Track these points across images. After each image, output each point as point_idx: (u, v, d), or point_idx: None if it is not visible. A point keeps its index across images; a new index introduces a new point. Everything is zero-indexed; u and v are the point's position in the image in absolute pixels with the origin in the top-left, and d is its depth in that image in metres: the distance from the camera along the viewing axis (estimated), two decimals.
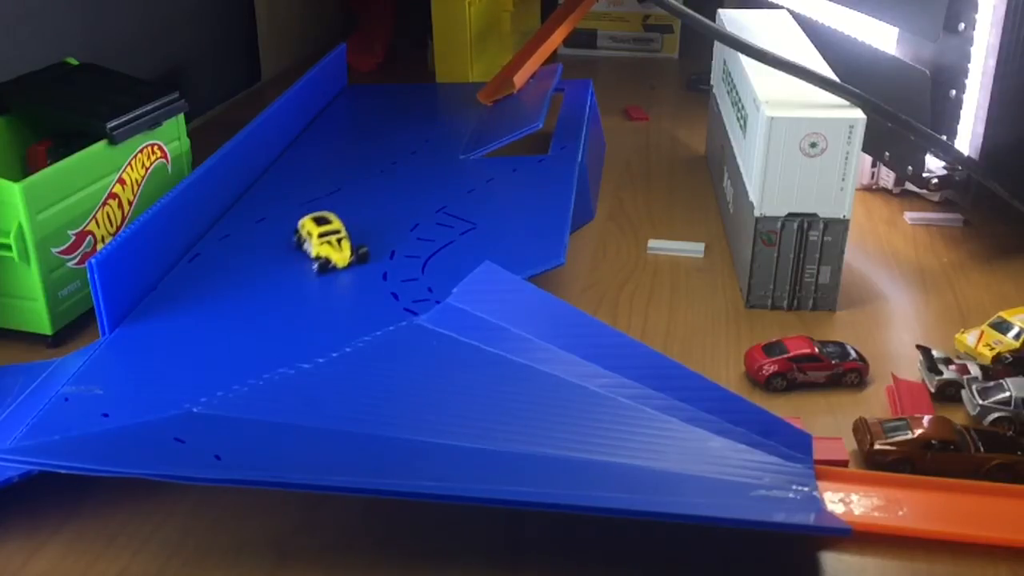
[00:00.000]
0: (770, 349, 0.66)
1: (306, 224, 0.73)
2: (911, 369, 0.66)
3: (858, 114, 0.69)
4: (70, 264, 0.71)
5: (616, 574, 0.51)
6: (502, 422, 0.55)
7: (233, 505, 0.55)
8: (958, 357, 0.66)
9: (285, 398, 0.57)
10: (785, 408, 0.62)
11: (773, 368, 0.65)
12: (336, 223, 0.73)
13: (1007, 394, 0.61)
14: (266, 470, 0.52)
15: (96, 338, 0.64)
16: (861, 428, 0.59)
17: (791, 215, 0.72)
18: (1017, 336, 0.66)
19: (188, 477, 0.51)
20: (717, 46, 0.98)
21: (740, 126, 0.80)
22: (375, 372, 0.59)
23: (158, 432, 0.54)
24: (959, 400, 0.63)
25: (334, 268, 0.71)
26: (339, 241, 0.71)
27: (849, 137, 0.69)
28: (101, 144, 0.74)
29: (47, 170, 0.69)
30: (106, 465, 0.51)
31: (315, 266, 0.71)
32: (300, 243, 0.73)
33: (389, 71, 1.34)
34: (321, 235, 0.71)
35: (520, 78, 1.01)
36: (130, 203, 0.77)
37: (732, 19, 0.93)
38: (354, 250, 0.71)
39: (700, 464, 0.52)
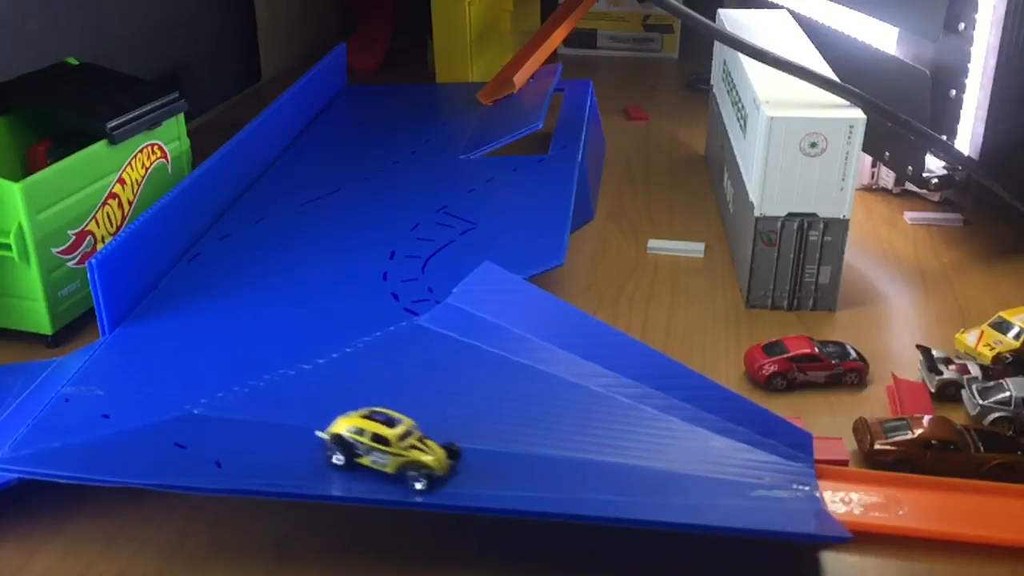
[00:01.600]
0: (770, 349, 0.66)
1: (361, 425, 0.51)
2: (911, 369, 0.66)
3: (858, 114, 0.69)
4: (70, 264, 0.71)
5: (615, 573, 0.51)
6: (502, 422, 0.55)
7: (233, 506, 0.55)
8: (958, 357, 0.66)
9: (285, 399, 0.57)
10: (785, 408, 0.62)
11: (773, 368, 0.65)
12: (407, 420, 0.52)
13: (1007, 394, 0.61)
14: (267, 478, 0.51)
15: (96, 338, 0.64)
16: (861, 428, 0.59)
17: (791, 215, 0.72)
18: (1017, 336, 0.66)
19: (190, 487, 0.51)
20: (717, 46, 0.98)
21: (740, 126, 0.80)
22: (375, 372, 0.59)
23: (158, 437, 0.54)
24: (959, 400, 0.63)
25: (434, 478, 0.50)
26: (421, 440, 0.51)
27: (849, 137, 0.69)
28: (101, 144, 0.74)
29: (47, 170, 0.69)
30: (106, 475, 0.51)
31: (421, 484, 0.50)
32: (355, 454, 0.51)
33: (389, 71, 1.34)
34: (402, 437, 0.51)
35: (520, 78, 1.01)
36: (130, 203, 0.77)
37: (732, 19, 0.93)
38: (448, 449, 0.52)
39: (700, 463, 0.52)
